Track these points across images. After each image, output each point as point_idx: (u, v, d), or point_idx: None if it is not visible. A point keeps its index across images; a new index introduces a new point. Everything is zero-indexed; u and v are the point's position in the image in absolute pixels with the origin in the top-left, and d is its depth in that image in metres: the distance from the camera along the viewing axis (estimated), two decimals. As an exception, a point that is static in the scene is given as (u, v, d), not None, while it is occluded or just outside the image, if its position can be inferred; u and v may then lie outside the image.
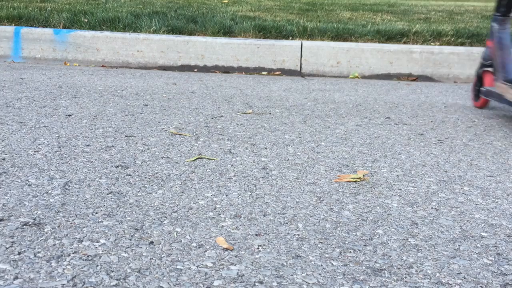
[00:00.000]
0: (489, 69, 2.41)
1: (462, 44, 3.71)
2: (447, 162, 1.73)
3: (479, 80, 2.53)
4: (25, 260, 1.01)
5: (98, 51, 3.52)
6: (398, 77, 3.51)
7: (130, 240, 1.11)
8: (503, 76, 2.16)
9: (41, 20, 3.75)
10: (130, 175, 1.48)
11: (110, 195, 1.33)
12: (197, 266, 1.02)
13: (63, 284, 0.93)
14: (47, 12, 3.92)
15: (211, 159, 1.65)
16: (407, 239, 1.17)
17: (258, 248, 1.10)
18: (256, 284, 0.97)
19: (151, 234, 1.14)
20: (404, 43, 3.71)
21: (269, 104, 2.48)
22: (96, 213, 1.22)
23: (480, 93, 2.46)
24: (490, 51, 2.36)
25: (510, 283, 1.01)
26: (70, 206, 1.25)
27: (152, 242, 1.10)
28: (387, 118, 2.31)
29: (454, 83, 3.44)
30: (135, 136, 1.85)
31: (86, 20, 3.77)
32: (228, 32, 3.71)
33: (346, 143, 1.89)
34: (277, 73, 3.49)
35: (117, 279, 0.96)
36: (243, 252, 1.08)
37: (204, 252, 1.07)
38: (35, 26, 3.69)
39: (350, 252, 1.10)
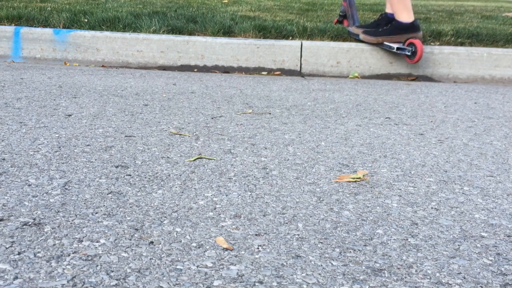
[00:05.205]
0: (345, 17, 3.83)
1: (462, 44, 3.71)
2: (447, 162, 1.73)
3: (340, 22, 3.90)
4: (25, 260, 1.01)
5: (98, 51, 3.52)
6: (398, 77, 3.51)
7: (130, 240, 1.11)
8: (353, 23, 3.70)
9: (41, 20, 3.75)
10: (130, 175, 1.48)
11: (110, 195, 1.33)
12: (197, 266, 1.02)
13: (63, 284, 0.93)
14: (47, 12, 3.92)
15: (211, 159, 1.65)
16: (407, 239, 1.17)
17: (258, 248, 1.10)
18: (256, 284, 0.97)
19: (151, 234, 1.14)
20: (404, 43, 3.70)
21: (269, 104, 2.48)
22: (96, 213, 1.22)
23: (339, 22, 3.94)
24: (345, 7, 3.78)
25: (510, 283, 1.01)
26: (70, 206, 1.25)
27: (152, 242, 1.10)
28: (387, 118, 2.31)
29: (454, 83, 3.44)
30: (135, 136, 1.85)
31: (86, 20, 3.77)
32: (228, 32, 3.71)
33: (346, 143, 1.89)
34: (277, 73, 3.49)
35: (117, 279, 0.96)
36: (243, 252, 1.08)
37: (204, 252, 1.07)
38: (35, 26, 3.69)
39: (350, 252, 1.10)
